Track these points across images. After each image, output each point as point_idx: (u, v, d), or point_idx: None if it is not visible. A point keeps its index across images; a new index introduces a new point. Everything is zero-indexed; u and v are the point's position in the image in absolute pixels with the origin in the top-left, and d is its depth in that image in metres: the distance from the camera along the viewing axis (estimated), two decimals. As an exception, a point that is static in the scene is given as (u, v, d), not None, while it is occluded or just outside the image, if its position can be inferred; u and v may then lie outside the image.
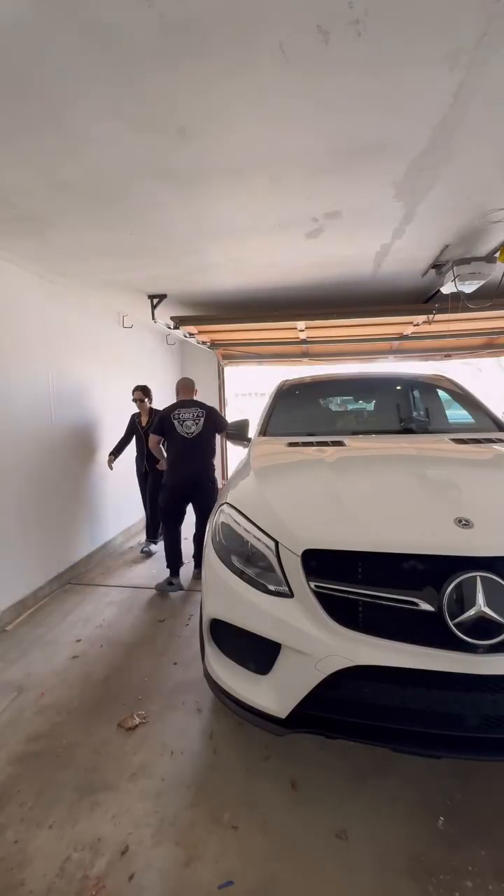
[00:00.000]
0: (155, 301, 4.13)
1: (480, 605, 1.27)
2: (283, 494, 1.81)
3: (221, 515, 1.83)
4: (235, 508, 1.77)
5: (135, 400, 4.26)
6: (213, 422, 3.58)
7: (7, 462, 3.06)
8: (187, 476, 3.45)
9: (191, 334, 4.78)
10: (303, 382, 3.58)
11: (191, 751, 1.86)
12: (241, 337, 5.23)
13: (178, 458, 3.44)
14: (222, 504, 1.90)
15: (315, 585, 1.43)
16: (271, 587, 1.52)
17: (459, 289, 3.17)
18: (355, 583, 1.40)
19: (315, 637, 1.39)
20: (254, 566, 1.59)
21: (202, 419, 3.54)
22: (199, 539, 3.63)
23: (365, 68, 1.36)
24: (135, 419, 4.32)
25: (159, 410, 4.05)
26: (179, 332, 4.66)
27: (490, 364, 8.63)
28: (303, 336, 4.87)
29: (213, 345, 5.60)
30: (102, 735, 1.96)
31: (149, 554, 4.33)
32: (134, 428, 4.32)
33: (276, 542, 1.53)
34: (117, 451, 4.28)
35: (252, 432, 3.21)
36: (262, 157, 1.83)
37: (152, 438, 3.63)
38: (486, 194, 2.25)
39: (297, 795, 1.64)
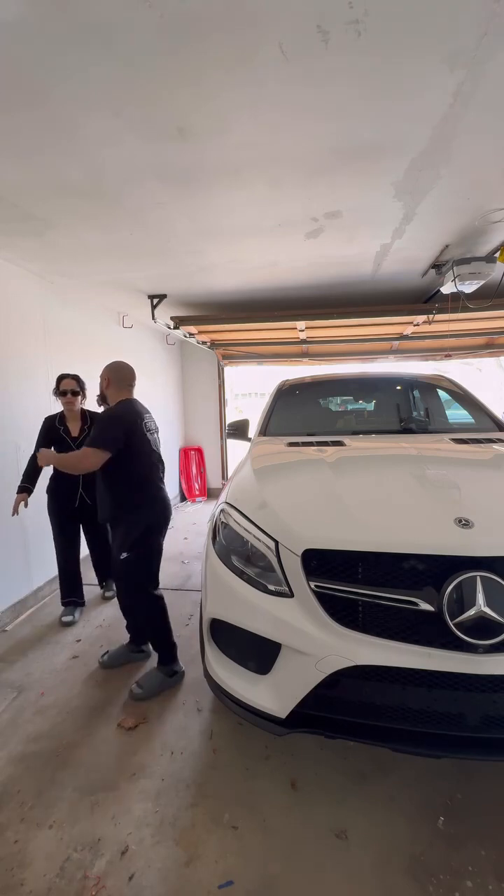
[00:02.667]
0: (155, 301, 4.13)
1: (480, 605, 1.27)
2: (283, 494, 1.81)
3: (221, 515, 1.83)
4: (235, 508, 1.77)
5: (63, 393, 2.83)
6: None
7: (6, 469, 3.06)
8: (168, 509, 2.37)
9: (191, 334, 4.78)
10: (303, 382, 3.58)
11: (191, 751, 1.86)
12: (241, 337, 5.23)
13: (155, 484, 2.33)
14: (222, 503, 1.90)
15: (315, 585, 1.43)
16: (271, 587, 1.52)
17: (459, 289, 3.17)
18: (355, 583, 1.40)
19: (315, 637, 1.39)
20: (254, 566, 1.59)
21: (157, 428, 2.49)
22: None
23: (365, 68, 1.36)
24: (55, 425, 2.87)
25: (98, 413, 2.60)
26: (179, 332, 4.66)
27: (490, 364, 8.65)
28: (303, 336, 4.87)
29: (213, 345, 5.60)
30: (102, 735, 1.96)
31: (71, 623, 2.95)
32: (56, 439, 2.84)
33: (276, 542, 1.53)
34: (32, 480, 2.69)
35: (252, 432, 3.21)
36: (262, 156, 1.83)
37: (98, 455, 2.09)
38: (486, 194, 2.25)
39: (297, 795, 1.64)
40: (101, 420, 2.32)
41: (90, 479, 2.73)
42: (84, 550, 3.18)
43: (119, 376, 2.39)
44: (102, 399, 2.43)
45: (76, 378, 2.94)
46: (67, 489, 2.91)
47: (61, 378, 2.92)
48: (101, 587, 3.39)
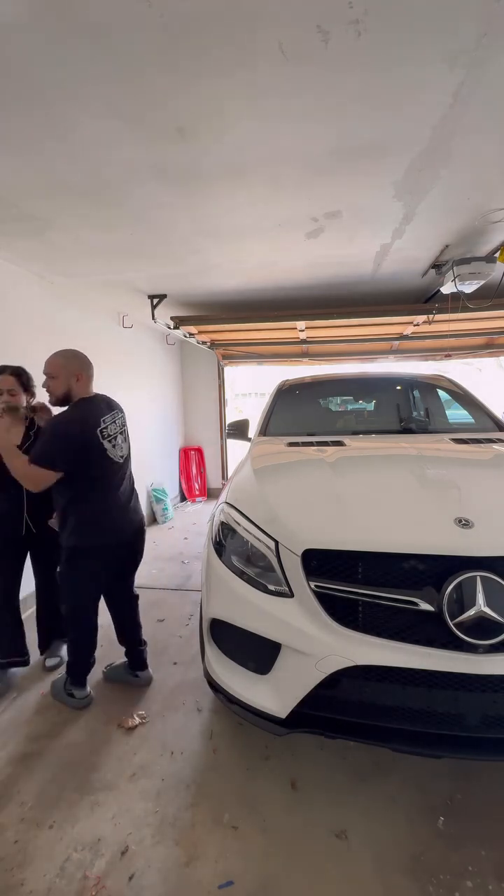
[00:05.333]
0: (155, 301, 4.14)
1: (480, 605, 1.27)
2: (283, 494, 1.81)
3: (221, 515, 1.83)
4: (235, 508, 1.77)
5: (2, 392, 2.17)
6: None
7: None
8: (126, 528, 2.06)
9: (191, 334, 4.79)
10: (303, 382, 3.59)
11: (191, 751, 1.86)
12: (241, 337, 5.23)
13: (109, 499, 2.00)
14: (222, 504, 1.90)
15: (315, 585, 1.43)
16: (271, 587, 1.52)
17: (459, 289, 3.17)
18: (355, 583, 1.40)
19: (315, 637, 1.39)
20: (254, 566, 1.59)
21: (126, 428, 2.12)
22: (134, 631, 2.30)
23: (365, 68, 1.36)
24: None
25: (53, 415, 2.14)
26: (179, 332, 4.66)
27: (490, 364, 8.65)
28: (303, 336, 4.87)
29: (213, 345, 5.60)
30: (102, 735, 1.96)
31: (59, 663, 2.49)
32: None
33: (276, 542, 1.53)
34: None
35: (252, 432, 3.21)
36: (262, 156, 1.83)
37: (45, 476, 1.84)
38: (485, 194, 2.25)
39: (297, 795, 1.64)
40: (53, 430, 1.87)
41: (38, 500, 2.21)
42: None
43: (88, 367, 2.01)
44: (64, 400, 2.00)
45: (18, 372, 2.23)
46: (7, 512, 2.23)
47: (4, 372, 2.21)
48: (42, 652, 2.54)
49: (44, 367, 1.99)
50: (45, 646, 2.55)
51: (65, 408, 2.00)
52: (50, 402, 2.04)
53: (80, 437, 1.87)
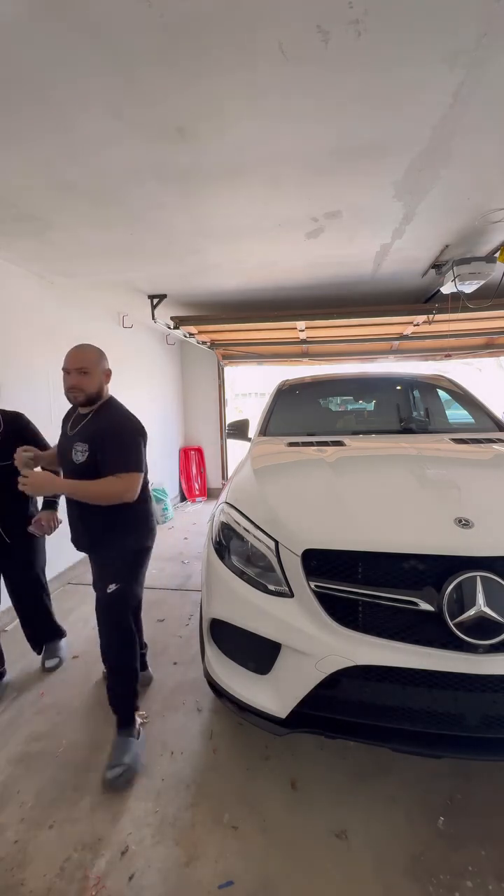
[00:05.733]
0: (155, 301, 4.14)
1: (480, 605, 1.27)
2: (282, 494, 1.81)
3: (221, 515, 1.83)
4: (235, 508, 1.77)
5: None
6: None
7: None
8: (155, 530, 2.04)
9: (191, 334, 4.79)
10: (303, 382, 3.59)
11: (191, 751, 1.86)
12: (241, 337, 5.24)
13: (149, 502, 2.00)
14: (222, 504, 1.90)
15: (315, 585, 1.43)
16: (271, 587, 1.52)
17: (459, 289, 3.17)
18: (355, 583, 1.40)
19: (315, 637, 1.39)
20: (254, 566, 1.59)
21: None
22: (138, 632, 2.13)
23: (365, 68, 1.36)
24: None
25: (19, 415, 2.23)
26: (179, 332, 4.66)
27: (490, 364, 8.66)
28: (303, 336, 4.87)
29: (213, 345, 5.60)
30: (102, 735, 1.96)
31: (58, 664, 2.48)
32: None
33: (276, 542, 1.53)
34: None
35: (252, 432, 3.21)
36: (262, 156, 1.83)
37: (139, 479, 1.76)
38: (485, 194, 2.25)
39: (296, 795, 1.64)
40: (129, 432, 1.80)
41: (7, 509, 2.16)
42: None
43: (103, 364, 1.89)
44: (95, 398, 1.85)
45: None
46: None
47: None
48: (39, 653, 2.51)
49: (71, 362, 1.79)
50: (39, 647, 2.51)
51: (74, 409, 1.94)
52: (78, 400, 1.83)
53: (145, 432, 1.87)
